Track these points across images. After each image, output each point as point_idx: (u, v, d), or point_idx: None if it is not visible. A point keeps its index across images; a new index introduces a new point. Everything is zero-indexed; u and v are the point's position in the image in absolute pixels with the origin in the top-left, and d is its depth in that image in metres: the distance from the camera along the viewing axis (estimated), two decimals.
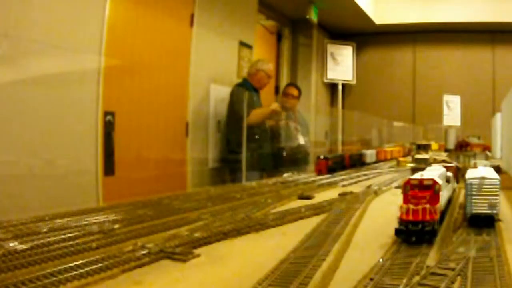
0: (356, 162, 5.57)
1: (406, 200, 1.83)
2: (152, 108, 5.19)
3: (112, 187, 4.45)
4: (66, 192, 3.88)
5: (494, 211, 2.03)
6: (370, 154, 6.16)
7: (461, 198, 2.79)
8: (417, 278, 1.39)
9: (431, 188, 1.86)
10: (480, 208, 2.04)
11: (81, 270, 1.45)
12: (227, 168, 6.24)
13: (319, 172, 4.51)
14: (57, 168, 3.85)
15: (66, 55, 3.95)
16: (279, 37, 9.62)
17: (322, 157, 4.66)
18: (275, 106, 6.26)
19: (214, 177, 6.12)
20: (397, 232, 1.80)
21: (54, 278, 1.37)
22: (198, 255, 1.70)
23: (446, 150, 6.91)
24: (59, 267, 1.46)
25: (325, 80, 10.51)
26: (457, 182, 3.30)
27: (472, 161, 4.43)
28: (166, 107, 5.43)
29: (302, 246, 1.80)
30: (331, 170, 4.57)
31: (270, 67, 6.41)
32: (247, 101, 5.64)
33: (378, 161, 6.43)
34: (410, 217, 1.79)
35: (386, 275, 1.43)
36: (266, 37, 9.17)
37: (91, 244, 1.76)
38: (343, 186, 3.94)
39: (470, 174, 2.24)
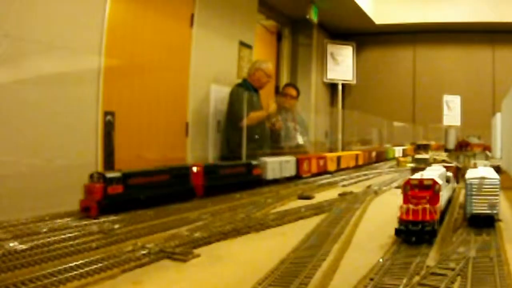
0: (234, 182, 3.26)
1: (406, 200, 1.83)
2: (152, 108, 5.19)
3: None
4: (66, 192, 3.88)
5: (494, 211, 2.04)
6: (276, 165, 3.84)
7: (461, 198, 2.79)
8: (417, 278, 1.39)
9: (431, 188, 1.86)
10: (480, 208, 2.04)
11: (81, 270, 1.45)
12: None
13: (84, 210, 2.32)
14: (57, 168, 3.85)
15: (66, 55, 3.95)
16: (279, 37, 9.62)
17: (96, 175, 2.38)
18: (272, 108, 6.20)
19: None
20: (397, 232, 1.80)
21: (54, 278, 1.37)
22: (198, 255, 1.70)
23: (446, 150, 6.91)
24: (59, 267, 1.46)
25: (325, 80, 10.51)
26: (457, 182, 3.31)
27: (472, 161, 4.43)
28: (166, 107, 5.42)
29: (302, 246, 1.80)
30: (114, 207, 2.35)
31: (269, 66, 6.34)
32: (247, 101, 5.62)
33: (302, 176, 4.31)
34: (410, 217, 1.79)
35: (386, 275, 1.43)
36: (266, 37, 9.17)
37: (91, 244, 1.76)
38: (343, 186, 3.95)
39: (470, 174, 2.24)
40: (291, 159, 4.19)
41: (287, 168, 4.07)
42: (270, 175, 3.75)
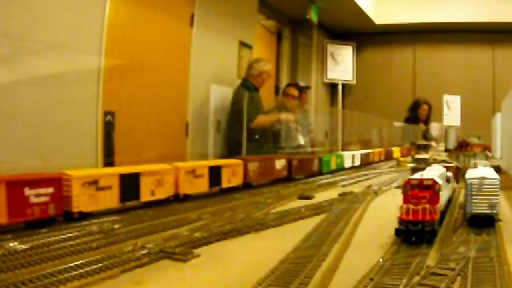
0: None
1: (406, 200, 1.83)
2: (152, 108, 5.19)
3: None
4: None
5: (494, 211, 2.04)
6: None
7: (461, 198, 2.79)
8: (417, 278, 1.39)
9: (431, 188, 1.86)
10: (480, 208, 2.04)
11: (81, 270, 1.45)
12: None
13: None
14: (57, 168, 3.84)
15: (66, 55, 3.95)
16: (279, 37, 9.62)
17: None
18: (285, 116, 6.19)
19: None
20: (397, 232, 1.80)
21: (54, 278, 1.37)
22: (198, 255, 1.70)
23: (446, 150, 6.91)
24: (59, 267, 1.46)
25: (325, 80, 10.51)
26: (457, 182, 3.30)
27: (472, 161, 4.42)
28: (166, 107, 5.42)
29: (302, 246, 1.80)
30: None
31: (270, 66, 6.45)
32: (251, 102, 5.63)
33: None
34: (410, 217, 1.79)
35: (386, 275, 1.43)
36: (266, 37, 9.16)
37: (91, 244, 1.76)
38: (343, 186, 3.95)
39: (470, 174, 2.24)
40: None
41: None
42: None
